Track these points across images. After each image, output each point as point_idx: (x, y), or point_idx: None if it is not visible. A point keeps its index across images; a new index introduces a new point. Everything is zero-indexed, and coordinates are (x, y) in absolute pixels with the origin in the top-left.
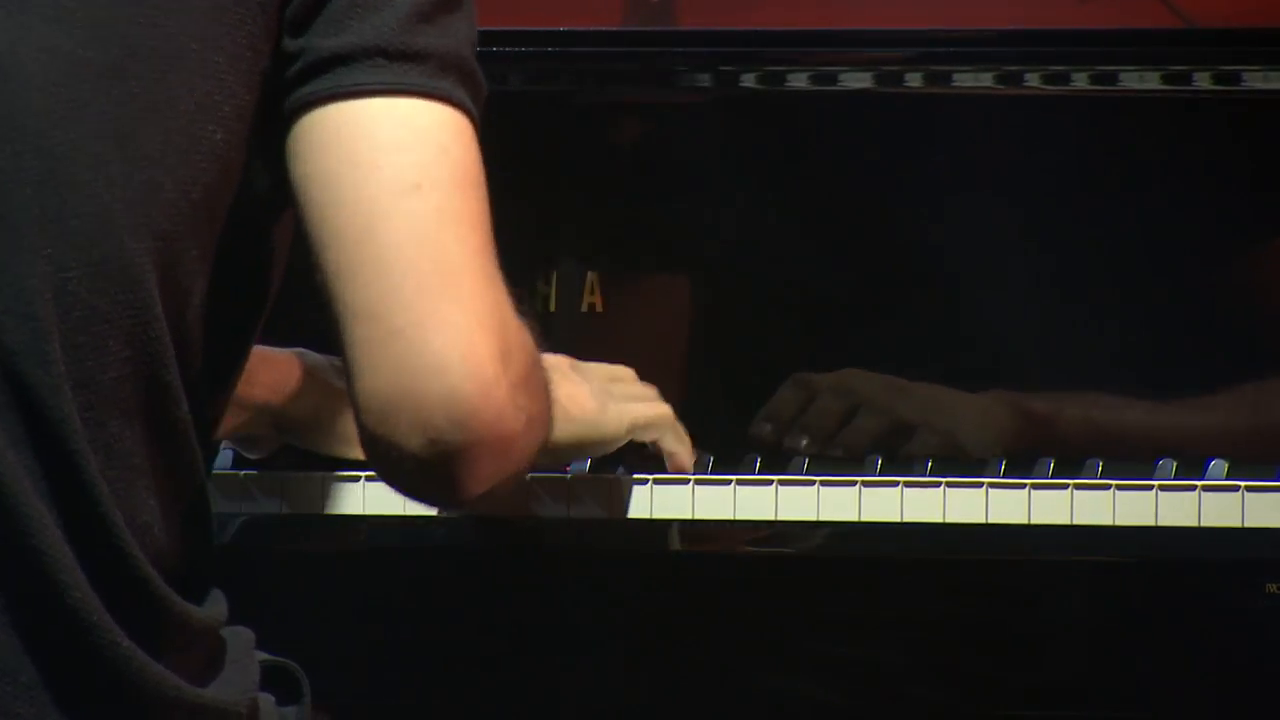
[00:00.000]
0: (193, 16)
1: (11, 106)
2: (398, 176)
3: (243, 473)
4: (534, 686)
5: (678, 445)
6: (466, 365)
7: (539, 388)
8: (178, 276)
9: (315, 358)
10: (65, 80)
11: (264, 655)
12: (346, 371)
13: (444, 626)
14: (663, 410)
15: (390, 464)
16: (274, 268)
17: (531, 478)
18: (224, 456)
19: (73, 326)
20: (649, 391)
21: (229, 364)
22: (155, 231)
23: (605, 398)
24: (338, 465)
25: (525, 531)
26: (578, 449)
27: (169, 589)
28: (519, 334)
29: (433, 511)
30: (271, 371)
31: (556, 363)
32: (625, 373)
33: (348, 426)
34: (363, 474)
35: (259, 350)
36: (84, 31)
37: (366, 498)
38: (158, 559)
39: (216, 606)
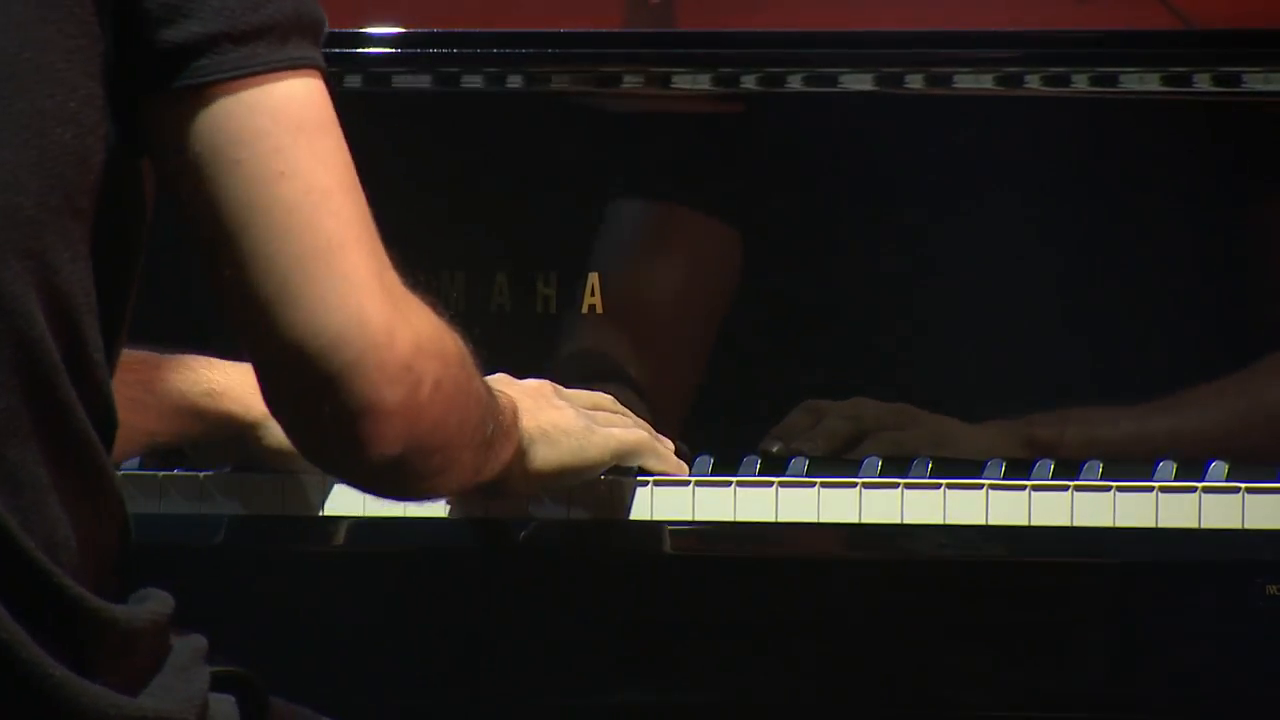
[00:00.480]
0: (18, 24)
1: None
2: (260, 167)
3: (242, 474)
4: (529, 689)
5: (662, 465)
6: (361, 337)
7: (446, 347)
8: (56, 285)
9: None
10: None
11: (219, 667)
12: (247, 353)
13: (438, 629)
14: (642, 436)
15: (305, 442)
16: (143, 218)
17: None
18: None
19: None
20: (628, 419)
21: (116, 336)
22: (21, 252)
23: (589, 422)
24: None
25: (525, 533)
26: (562, 474)
27: (97, 598)
28: (407, 295)
29: (429, 512)
30: (239, 378)
31: (540, 388)
32: (606, 400)
33: None
34: None
35: (221, 363)
36: None
37: (366, 499)
38: (79, 571)
39: (154, 604)
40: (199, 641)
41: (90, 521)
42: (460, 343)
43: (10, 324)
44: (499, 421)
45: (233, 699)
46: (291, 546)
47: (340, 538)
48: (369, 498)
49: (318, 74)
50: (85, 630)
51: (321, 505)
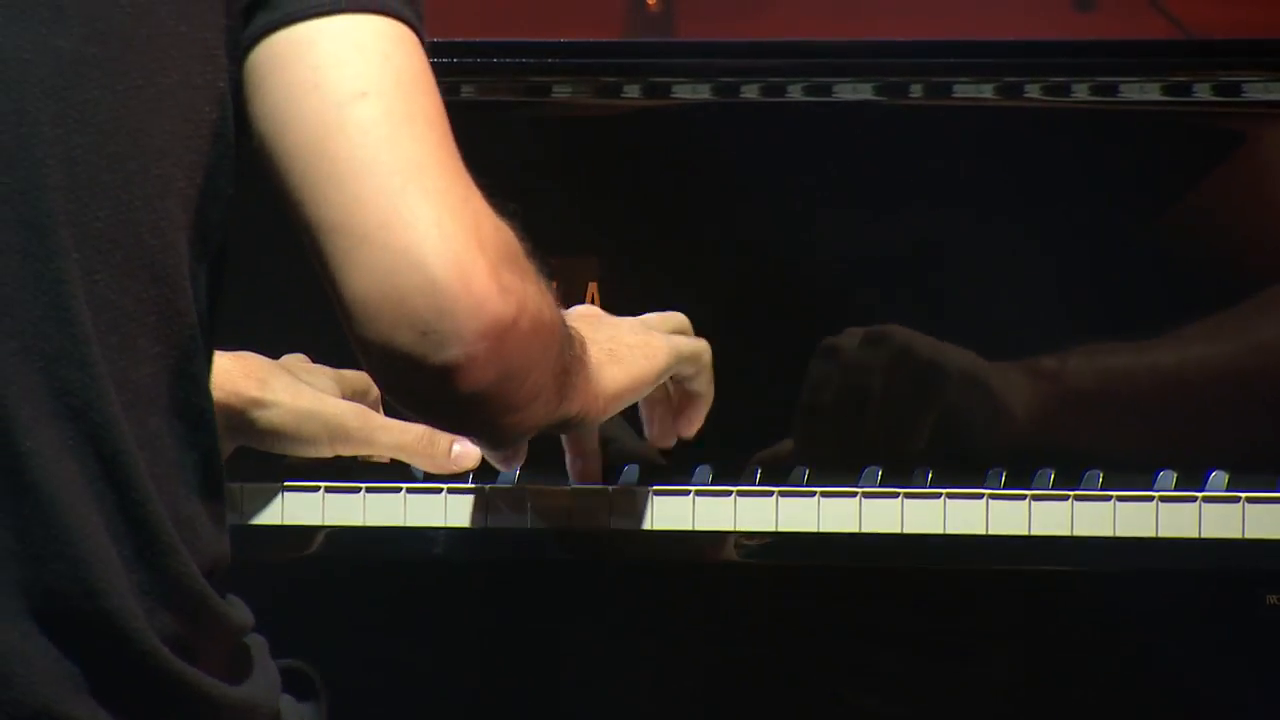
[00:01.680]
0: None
1: (26, 115)
2: (340, 88)
3: (240, 486)
4: (524, 696)
5: (708, 388)
6: (440, 254)
7: (529, 274)
8: (197, 264)
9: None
10: (75, 82)
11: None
12: (329, 291)
13: (430, 640)
14: (703, 343)
15: (391, 371)
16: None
17: (528, 490)
18: None
19: (105, 327)
20: (685, 322)
21: (212, 347)
22: (175, 224)
23: (644, 327)
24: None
25: (522, 543)
26: (635, 389)
27: (209, 586)
28: (493, 221)
29: (426, 522)
30: (232, 370)
31: (587, 311)
32: (653, 318)
33: (305, 427)
34: (363, 485)
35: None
36: (82, 29)
37: (367, 509)
38: (200, 553)
39: (241, 610)
40: (262, 639)
41: (210, 510)
42: (534, 266)
43: (160, 291)
44: (572, 350)
45: (291, 698)
46: (287, 555)
47: (340, 548)
48: (369, 507)
49: (414, 33)
50: (194, 613)
51: (321, 515)
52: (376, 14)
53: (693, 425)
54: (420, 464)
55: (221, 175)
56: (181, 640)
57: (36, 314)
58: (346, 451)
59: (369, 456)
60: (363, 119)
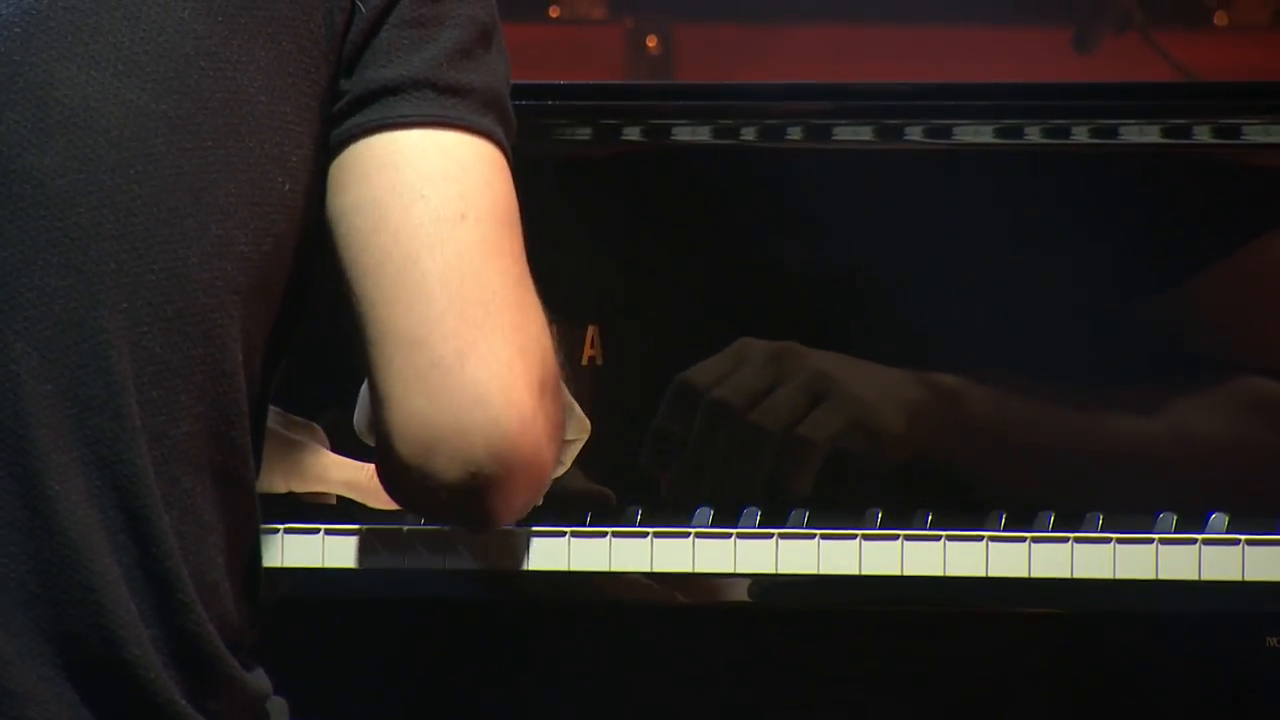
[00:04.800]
0: (260, 68)
1: (87, 161)
2: (444, 206)
3: None
4: None
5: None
6: (507, 398)
7: (563, 416)
8: (251, 330)
9: None
10: (140, 134)
11: None
12: (380, 400)
13: (404, 678)
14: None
15: (423, 495)
16: (306, 310)
17: (529, 530)
18: None
19: (147, 381)
20: None
21: (265, 416)
22: (231, 286)
23: None
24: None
25: (522, 583)
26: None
27: (226, 651)
28: (551, 359)
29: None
30: None
31: None
32: None
33: (293, 459)
34: (322, 527)
35: None
36: (156, 85)
37: (363, 556)
38: (222, 619)
39: (263, 681)
40: (282, 703)
41: (238, 577)
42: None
43: (208, 351)
44: None
45: None
46: (276, 594)
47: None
48: (366, 551)
49: (506, 159)
50: (210, 675)
51: (322, 558)
52: (484, 137)
53: None
54: (372, 502)
55: (289, 247)
56: (197, 697)
57: (75, 360)
58: (300, 488)
59: (321, 495)
60: (460, 241)
